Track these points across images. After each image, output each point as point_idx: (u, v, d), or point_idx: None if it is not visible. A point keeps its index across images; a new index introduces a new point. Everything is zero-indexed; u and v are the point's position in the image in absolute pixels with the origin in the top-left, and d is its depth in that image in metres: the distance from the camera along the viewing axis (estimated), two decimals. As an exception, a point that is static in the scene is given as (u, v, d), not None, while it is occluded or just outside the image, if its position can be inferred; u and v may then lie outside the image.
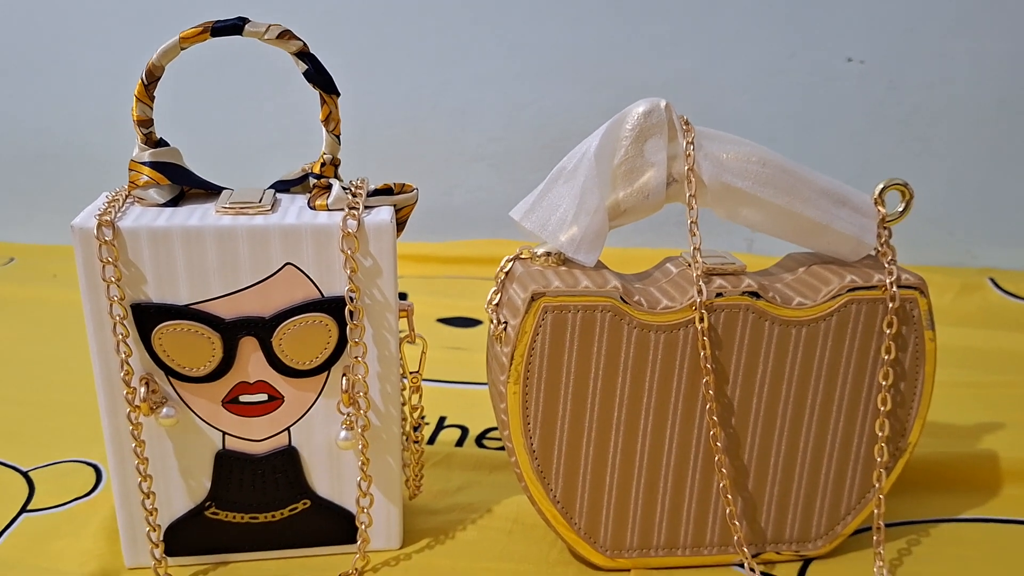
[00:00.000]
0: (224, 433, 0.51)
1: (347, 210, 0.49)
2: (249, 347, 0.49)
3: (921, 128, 1.12)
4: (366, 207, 0.51)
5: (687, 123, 0.53)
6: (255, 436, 0.52)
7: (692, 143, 0.52)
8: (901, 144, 1.12)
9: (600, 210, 0.51)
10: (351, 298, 0.49)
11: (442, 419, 0.73)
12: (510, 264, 0.55)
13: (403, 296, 1.02)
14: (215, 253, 0.47)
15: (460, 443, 0.69)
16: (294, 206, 0.51)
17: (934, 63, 1.08)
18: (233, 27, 0.49)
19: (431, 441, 0.70)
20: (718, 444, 0.52)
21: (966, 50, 1.07)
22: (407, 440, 0.58)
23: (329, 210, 0.50)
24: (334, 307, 0.49)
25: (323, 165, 0.53)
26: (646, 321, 0.50)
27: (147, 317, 0.48)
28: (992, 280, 1.03)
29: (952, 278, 1.03)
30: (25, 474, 0.64)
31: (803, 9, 1.08)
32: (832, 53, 1.10)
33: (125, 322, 0.47)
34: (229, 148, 1.18)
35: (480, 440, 0.70)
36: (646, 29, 1.11)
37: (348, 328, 0.50)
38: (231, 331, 0.49)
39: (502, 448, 0.69)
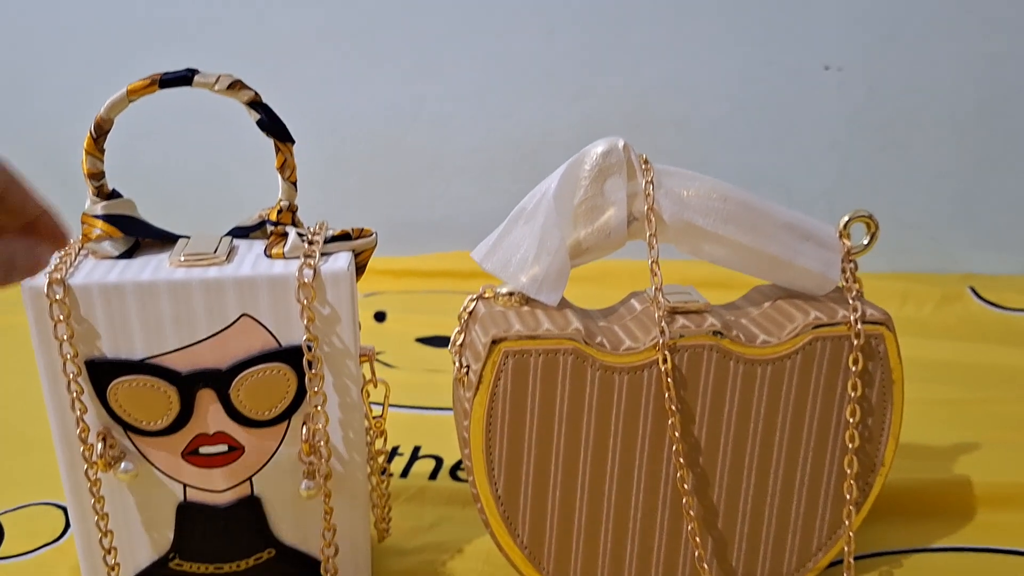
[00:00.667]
0: (185, 485, 0.51)
1: (303, 259, 0.48)
2: (207, 399, 0.49)
3: (901, 134, 1.11)
4: (323, 254, 0.50)
5: (646, 161, 0.52)
6: (217, 487, 0.51)
7: (651, 182, 0.52)
8: (881, 150, 1.11)
9: (561, 250, 0.51)
10: (309, 347, 0.48)
11: (416, 449, 0.73)
12: (473, 304, 0.54)
13: (381, 316, 1.02)
14: (169, 306, 0.47)
15: (434, 475, 0.69)
16: (251, 254, 0.50)
17: (913, 69, 1.08)
18: (182, 79, 0.48)
19: (404, 474, 0.69)
20: (685, 486, 0.51)
21: (945, 55, 1.07)
22: (374, 482, 0.58)
23: (286, 258, 0.50)
24: (292, 356, 0.49)
25: (280, 212, 0.52)
26: (609, 363, 0.50)
27: (102, 373, 0.47)
28: (972, 289, 1.03)
29: (933, 287, 1.02)
30: (-5, 519, 0.64)
31: (780, 16, 1.07)
32: (810, 60, 1.09)
33: (79, 379, 0.47)
34: (186, 192, 1.17)
35: (454, 472, 0.69)
36: (622, 38, 1.10)
37: (307, 377, 0.49)
38: (188, 384, 0.48)
39: (475, 480, 0.68)
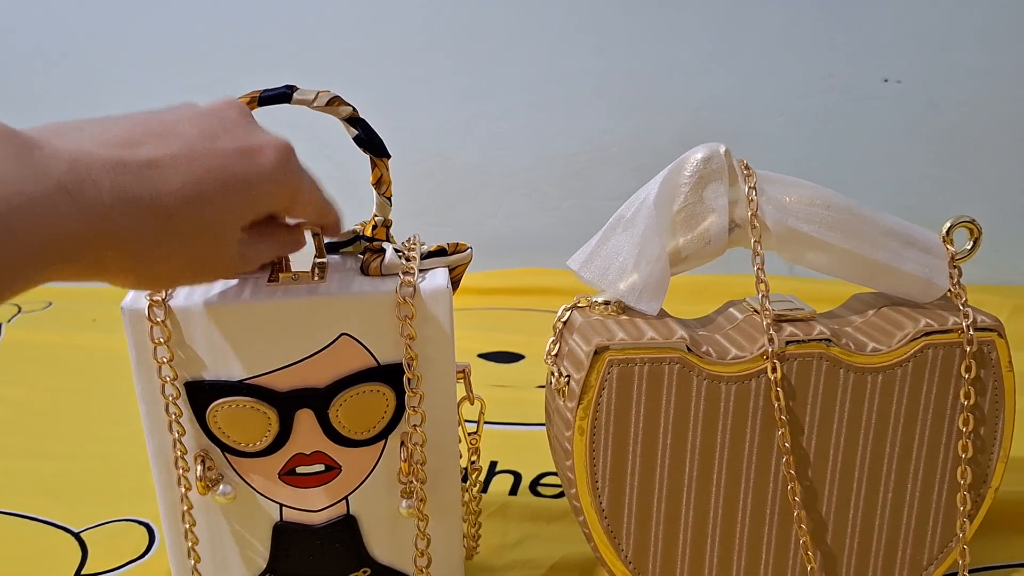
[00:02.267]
0: (282, 505, 0.50)
1: (402, 276, 0.47)
2: (305, 419, 0.48)
3: (961, 146, 1.10)
4: (420, 270, 0.49)
5: (747, 167, 0.51)
6: (313, 507, 0.50)
7: (754, 188, 0.50)
8: (940, 163, 1.10)
9: (661, 258, 0.50)
10: (409, 366, 0.47)
11: (493, 464, 0.72)
12: (568, 313, 0.53)
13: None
14: (270, 328, 0.46)
15: (514, 491, 0.68)
16: (347, 272, 0.49)
17: (972, 81, 1.06)
18: (281, 95, 0.47)
19: (484, 489, 0.68)
20: (796, 498, 0.50)
21: (1003, 67, 1.06)
22: (466, 499, 0.57)
23: (383, 275, 0.49)
24: (390, 375, 0.48)
25: (375, 227, 0.52)
26: (716, 372, 0.49)
27: (201, 394, 0.46)
28: (1042, 298, 1.01)
29: (1002, 298, 1.00)
30: (77, 535, 0.63)
31: (837, 29, 1.06)
32: (868, 73, 1.08)
33: (178, 402, 0.46)
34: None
35: (534, 487, 0.68)
36: (675, 53, 1.10)
37: (406, 396, 0.48)
38: (287, 404, 0.47)
39: (558, 496, 0.67)
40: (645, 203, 0.50)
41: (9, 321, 1.09)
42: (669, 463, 0.50)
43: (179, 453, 0.47)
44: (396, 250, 0.51)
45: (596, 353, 0.48)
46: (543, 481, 0.69)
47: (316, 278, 0.47)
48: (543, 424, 0.73)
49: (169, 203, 0.34)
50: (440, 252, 0.52)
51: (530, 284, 1.12)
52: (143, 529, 0.63)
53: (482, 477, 0.69)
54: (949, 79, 1.06)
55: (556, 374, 0.51)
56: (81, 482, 0.70)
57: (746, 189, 0.50)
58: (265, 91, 0.47)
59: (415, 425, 0.48)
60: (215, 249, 0.38)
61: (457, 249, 0.52)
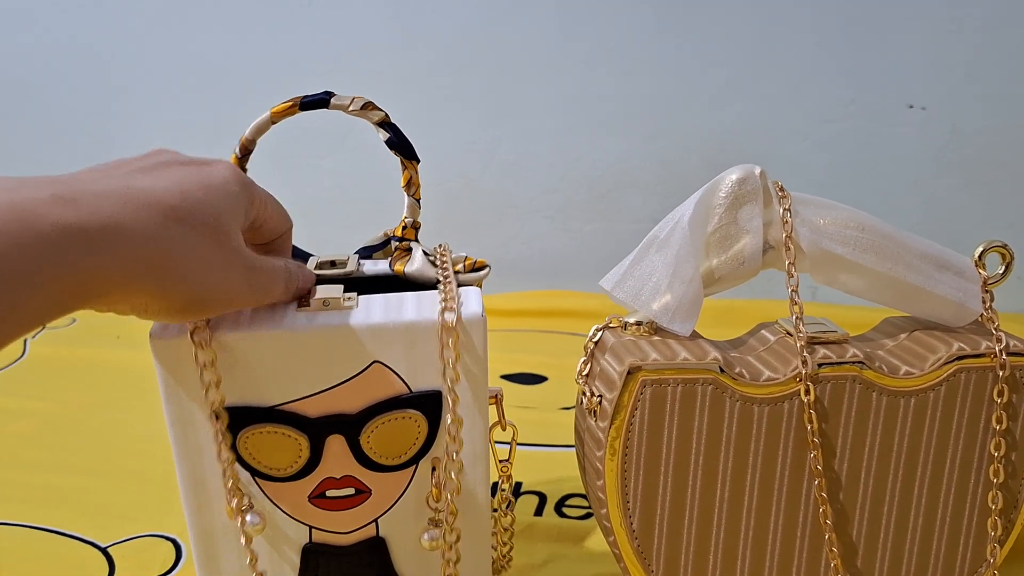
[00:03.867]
0: (311, 527, 0.50)
1: (442, 303, 0.47)
2: (336, 444, 0.47)
3: (985, 172, 1.09)
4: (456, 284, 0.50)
5: (782, 189, 0.51)
6: (342, 529, 0.50)
7: (789, 209, 0.51)
8: (965, 189, 1.10)
9: (695, 279, 0.50)
10: (444, 394, 0.47)
11: (518, 485, 0.72)
12: (599, 333, 0.54)
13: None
14: (302, 355, 0.45)
15: (539, 512, 0.68)
16: (380, 300, 0.48)
17: (997, 107, 1.06)
18: (320, 101, 0.50)
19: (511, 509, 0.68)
20: (827, 521, 0.50)
21: (1029, 93, 1.06)
22: (496, 522, 0.56)
23: (406, 275, 0.50)
24: (423, 402, 0.47)
25: (404, 228, 0.54)
26: (749, 394, 0.49)
27: (232, 421, 0.46)
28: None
29: (1027, 326, 1.00)
30: (104, 551, 0.63)
31: (861, 55, 1.07)
32: (892, 99, 1.08)
33: (211, 427, 0.45)
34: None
35: (560, 508, 0.68)
36: (700, 77, 1.10)
37: (442, 424, 0.48)
38: (318, 430, 0.47)
39: (584, 517, 0.67)
40: (679, 224, 0.51)
41: (33, 337, 1.10)
42: (701, 484, 0.50)
43: (231, 487, 0.47)
44: (425, 252, 0.52)
45: (629, 373, 0.48)
46: (568, 502, 0.69)
47: (346, 302, 0.47)
48: (567, 446, 0.73)
49: (166, 197, 0.36)
50: (480, 268, 0.52)
51: (553, 306, 1.13)
52: (170, 544, 0.63)
53: (500, 496, 0.69)
54: (974, 105, 1.07)
55: (588, 394, 0.51)
56: (108, 497, 0.71)
57: (780, 211, 0.51)
58: (305, 97, 0.50)
59: (447, 451, 0.48)
60: (224, 258, 0.39)
61: (475, 266, 0.53)
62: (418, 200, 0.53)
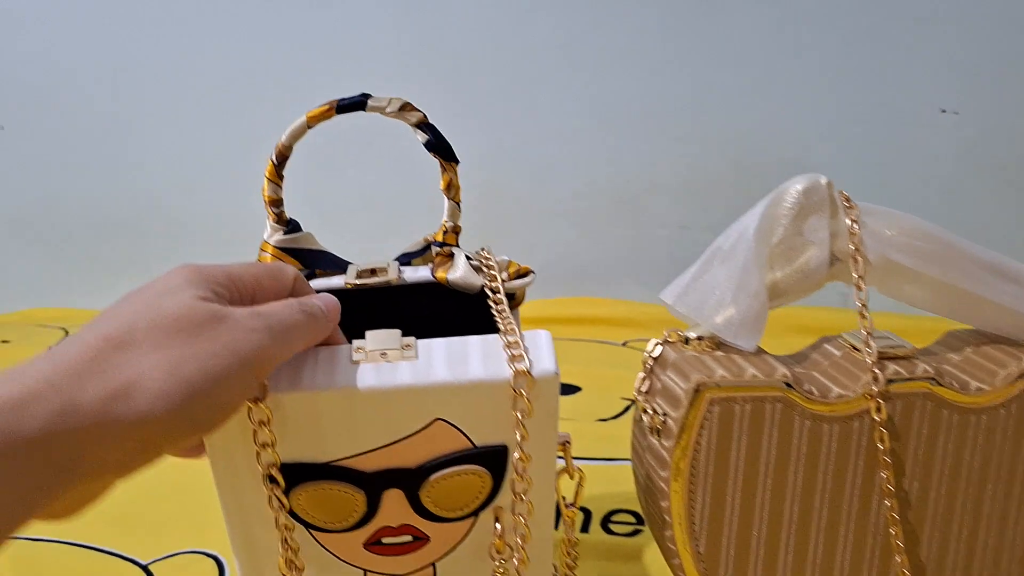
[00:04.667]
0: (366, 571, 0.47)
1: (509, 356, 0.42)
2: (394, 497, 0.44)
3: (1014, 176, 1.08)
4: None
5: (848, 199, 0.50)
6: (399, 572, 0.47)
7: (857, 220, 0.49)
8: (995, 193, 1.09)
9: (760, 292, 0.49)
10: (511, 451, 0.44)
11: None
12: (658, 348, 0.52)
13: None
14: (359, 412, 0.42)
15: (585, 528, 0.66)
16: (439, 350, 0.43)
17: (1028, 111, 1.05)
18: (357, 103, 0.49)
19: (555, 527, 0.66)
20: (898, 542, 0.48)
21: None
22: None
23: (449, 282, 0.49)
24: (488, 458, 0.44)
25: (445, 233, 0.53)
26: (818, 412, 0.47)
27: (284, 477, 0.43)
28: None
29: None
30: (145, 567, 0.61)
31: (891, 57, 1.05)
32: (922, 103, 1.07)
33: (264, 485, 0.42)
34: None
35: (606, 524, 0.67)
36: (727, 79, 1.09)
37: (505, 479, 0.45)
38: (375, 485, 0.44)
39: (632, 534, 0.66)
40: (744, 235, 0.49)
41: (57, 345, 1.08)
42: (768, 505, 0.48)
43: (261, 535, 0.44)
44: (467, 256, 0.51)
45: (696, 391, 0.46)
46: (615, 518, 0.67)
47: (406, 352, 0.43)
48: (608, 459, 0.71)
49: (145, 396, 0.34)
50: (524, 274, 0.51)
51: (580, 314, 1.11)
52: (211, 561, 0.62)
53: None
54: (1007, 110, 1.05)
55: (650, 412, 0.50)
56: (148, 513, 0.69)
57: (848, 222, 0.49)
58: (342, 100, 0.48)
59: (515, 506, 0.45)
60: (217, 327, 0.36)
61: (520, 272, 0.52)
62: (458, 203, 0.52)
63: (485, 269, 0.50)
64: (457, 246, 0.52)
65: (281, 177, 0.50)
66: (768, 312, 0.50)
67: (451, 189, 0.52)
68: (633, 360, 0.99)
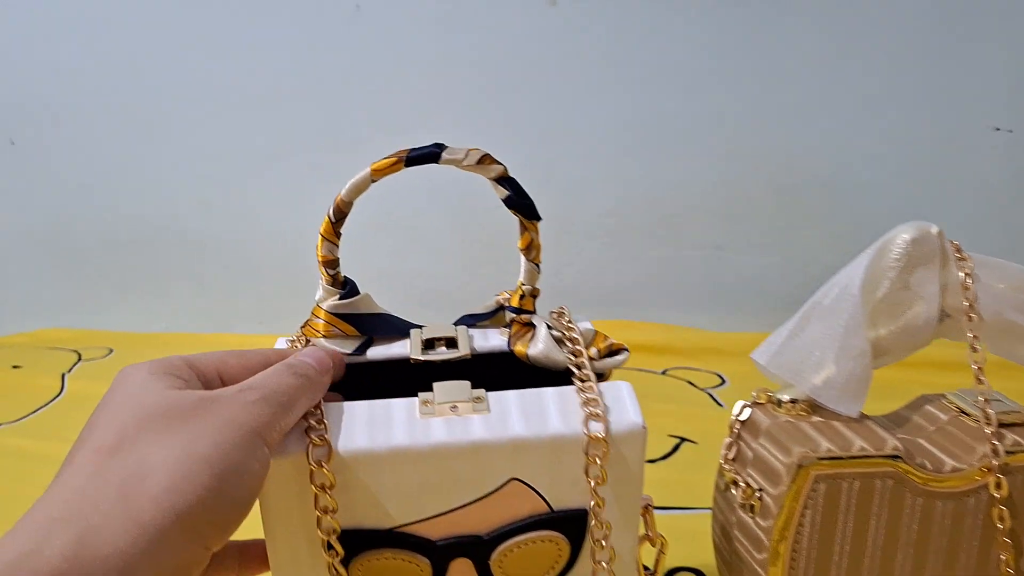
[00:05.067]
0: None
1: (587, 411, 0.39)
2: (462, 567, 0.40)
3: (1071, 196, 1.04)
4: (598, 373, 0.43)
5: (959, 250, 0.45)
6: None
7: (970, 274, 0.44)
8: (1050, 214, 1.04)
9: (865, 352, 0.44)
10: (592, 513, 0.40)
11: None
12: (746, 411, 0.47)
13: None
14: (427, 473, 0.38)
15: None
16: (514, 405, 0.40)
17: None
18: (430, 155, 0.43)
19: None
20: (1021, 633, 0.44)
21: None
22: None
23: (530, 358, 0.44)
24: (566, 523, 0.40)
25: (522, 297, 0.47)
26: (931, 488, 0.43)
27: (344, 545, 0.39)
28: None
29: None
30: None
31: (941, 74, 1.01)
32: (972, 121, 1.02)
33: (324, 553, 0.38)
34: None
35: (669, 585, 0.62)
36: (771, 96, 1.04)
37: (585, 545, 0.41)
38: (442, 555, 0.40)
39: (698, 597, 0.61)
40: (848, 290, 0.45)
41: (70, 371, 1.04)
42: (874, 590, 0.43)
43: None
44: (548, 326, 0.46)
45: (799, 466, 0.42)
46: (677, 576, 0.63)
47: (476, 405, 0.39)
48: (665, 508, 0.67)
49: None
50: (615, 352, 0.45)
51: (615, 338, 1.06)
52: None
53: None
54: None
55: (743, 485, 0.45)
56: None
57: (961, 275, 0.45)
58: (412, 151, 0.42)
59: (593, 573, 0.41)
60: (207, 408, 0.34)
61: (612, 348, 0.45)
62: (538, 265, 0.46)
63: (569, 343, 0.45)
64: (535, 312, 0.47)
65: (338, 235, 0.44)
66: (872, 374, 0.45)
67: (531, 250, 0.46)
68: (677, 391, 0.95)
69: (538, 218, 0.46)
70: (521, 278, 0.47)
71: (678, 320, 1.11)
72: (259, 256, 1.16)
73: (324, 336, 0.45)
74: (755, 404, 0.47)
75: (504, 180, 0.44)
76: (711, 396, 0.94)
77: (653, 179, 1.09)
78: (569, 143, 1.08)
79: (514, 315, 0.47)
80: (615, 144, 1.08)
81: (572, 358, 0.43)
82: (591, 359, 0.43)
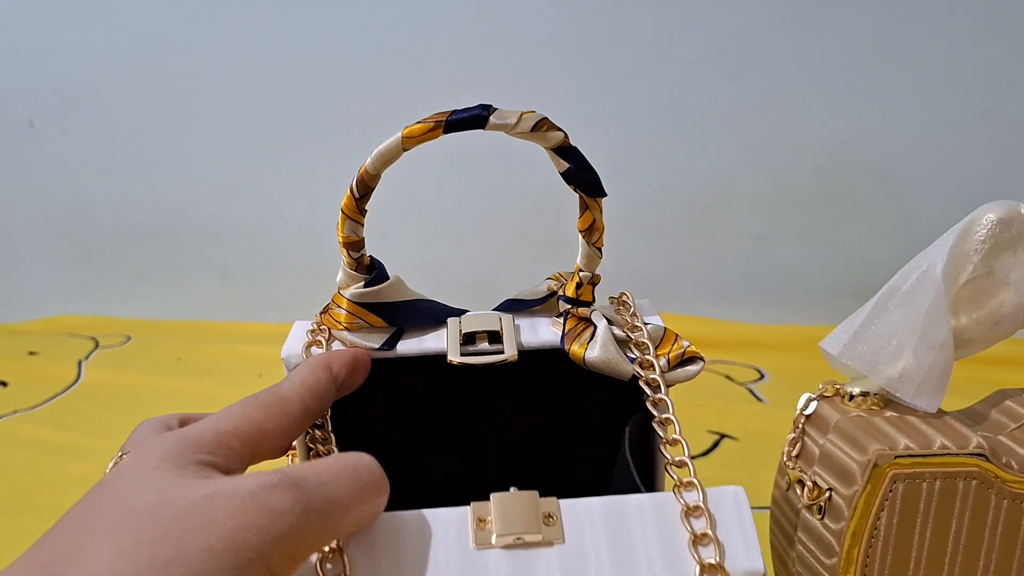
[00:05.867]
0: None
1: (698, 559, 0.31)
2: None
3: None
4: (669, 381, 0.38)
5: (1050, 232, 0.41)
6: None
7: (1064, 258, 0.41)
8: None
9: (947, 343, 0.40)
10: None
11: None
12: (813, 405, 0.44)
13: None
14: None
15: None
16: (597, 535, 0.31)
17: None
18: (474, 119, 0.36)
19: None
20: (1116, 650, 0.40)
21: None
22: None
23: (586, 363, 0.38)
24: None
25: (579, 286, 0.42)
26: (1019, 491, 0.39)
27: None
28: None
29: None
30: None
31: (997, 59, 0.96)
32: (1031, 108, 0.98)
33: None
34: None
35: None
36: (818, 81, 1.00)
37: None
38: None
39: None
40: (929, 275, 0.41)
41: (87, 358, 1.01)
42: (954, 601, 0.40)
43: None
44: (608, 321, 0.42)
45: (875, 465, 0.38)
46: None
47: (545, 527, 0.31)
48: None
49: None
50: (689, 359, 0.40)
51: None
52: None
53: None
54: None
55: (809, 484, 0.41)
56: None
57: (1053, 261, 0.41)
58: (453, 113, 0.36)
59: None
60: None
61: (685, 356, 0.41)
62: (600, 249, 0.41)
63: (635, 348, 0.40)
64: (593, 302, 0.42)
65: (363, 213, 0.38)
66: (952, 366, 0.41)
67: (593, 232, 0.40)
68: (714, 385, 0.91)
69: (603, 194, 0.40)
70: (579, 262, 0.42)
71: (716, 313, 1.07)
72: (282, 244, 1.14)
73: (346, 328, 0.40)
74: (822, 397, 0.44)
75: (564, 150, 0.39)
76: (750, 391, 0.90)
77: (694, 167, 1.05)
78: (606, 129, 1.05)
79: (569, 307, 0.42)
80: (654, 130, 1.04)
81: (640, 371, 0.38)
82: (662, 370, 0.39)
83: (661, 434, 0.36)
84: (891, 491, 0.38)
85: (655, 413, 0.37)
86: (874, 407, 0.42)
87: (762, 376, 0.94)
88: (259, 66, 1.06)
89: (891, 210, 1.02)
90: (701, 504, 0.32)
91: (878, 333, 0.41)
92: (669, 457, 0.35)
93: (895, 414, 0.41)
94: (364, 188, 0.37)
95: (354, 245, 0.39)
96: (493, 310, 0.44)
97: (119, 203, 1.15)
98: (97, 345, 1.06)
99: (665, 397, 0.37)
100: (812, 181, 1.03)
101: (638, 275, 1.09)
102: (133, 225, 1.16)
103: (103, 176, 1.14)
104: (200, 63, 1.07)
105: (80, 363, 1.00)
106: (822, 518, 0.41)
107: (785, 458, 0.44)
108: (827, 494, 0.40)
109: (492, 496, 0.32)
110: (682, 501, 0.32)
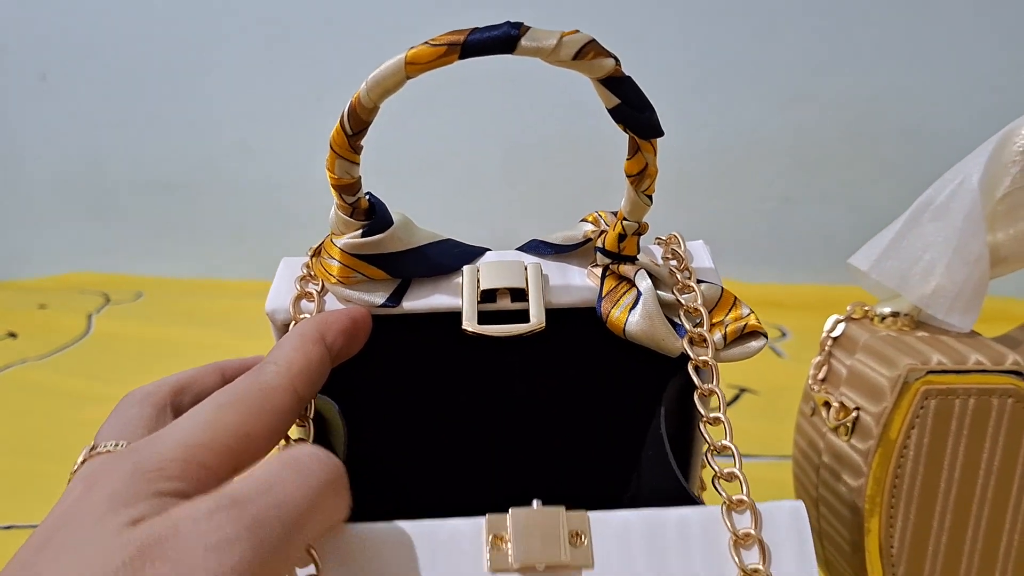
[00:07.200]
0: None
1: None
2: None
3: None
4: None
5: (1094, 145, 0.39)
6: None
7: (1108, 171, 0.39)
8: None
9: (983, 258, 0.39)
10: None
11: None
12: (839, 326, 0.42)
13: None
14: None
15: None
16: (631, 552, 0.27)
17: None
18: (500, 41, 0.29)
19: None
20: None
21: None
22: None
23: (626, 333, 0.32)
24: None
25: (622, 237, 0.34)
26: (1056, 410, 0.37)
27: None
28: None
29: None
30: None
31: (1033, 14, 0.93)
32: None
33: None
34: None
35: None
36: (847, 37, 0.97)
37: None
38: None
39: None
40: (965, 186, 0.39)
41: (98, 312, 1.01)
42: (986, 524, 0.38)
43: None
44: (652, 276, 0.34)
45: (905, 381, 0.36)
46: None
47: (573, 547, 0.27)
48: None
49: None
50: (750, 333, 0.34)
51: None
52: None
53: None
54: None
55: (835, 405, 0.40)
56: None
57: (1097, 173, 0.39)
58: (475, 32, 0.28)
59: None
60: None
61: (746, 330, 0.34)
62: (650, 197, 0.34)
63: (684, 317, 0.33)
64: (637, 257, 0.35)
65: (357, 151, 0.31)
66: (988, 284, 0.39)
67: (644, 178, 0.33)
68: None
69: (660, 133, 0.32)
70: (623, 209, 0.34)
71: (740, 274, 1.05)
72: (299, 202, 1.12)
73: (341, 282, 0.34)
74: (850, 319, 0.42)
75: (614, 81, 0.30)
76: (772, 348, 0.88)
77: (717, 125, 1.03)
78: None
79: (607, 259, 0.35)
80: (675, 87, 1.02)
81: (689, 349, 0.32)
82: (715, 350, 0.32)
83: (707, 439, 0.31)
84: (922, 408, 0.37)
85: (701, 427, 0.31)
86: (905, 327, 0.40)
87: (784, 335, 0.92)
88: (281, 15, 1.04)
89: (922, 170, 0.99)
90: (753, 532, 0.27)
91: (910, 247, 0.40)
92: (710, 440, 0.30)
93: (927, 334, 0.40)
94: (358, 122, 0.30)
95: (348, 188, 0.32)
96: (517, 249, 0.37)
97: (133, 158, 1.14)
98: (108, 300, 1.06)
99: (716, 389, 0.31)
100: (837, 140, 1.00)
101: (660, 235, 1.07)
102: (147, 181, 1.15)
103: (116, 131, 1.13)
104: (216, 13, 1.05)
105: (90, 316, 0.99)
106: (849, 439, 0.39)
107: (811, 381, 0.42)
108: (854, 413, 0.39)
109: (511, 511, 0.27)
110: (730, 525, 0.27)
